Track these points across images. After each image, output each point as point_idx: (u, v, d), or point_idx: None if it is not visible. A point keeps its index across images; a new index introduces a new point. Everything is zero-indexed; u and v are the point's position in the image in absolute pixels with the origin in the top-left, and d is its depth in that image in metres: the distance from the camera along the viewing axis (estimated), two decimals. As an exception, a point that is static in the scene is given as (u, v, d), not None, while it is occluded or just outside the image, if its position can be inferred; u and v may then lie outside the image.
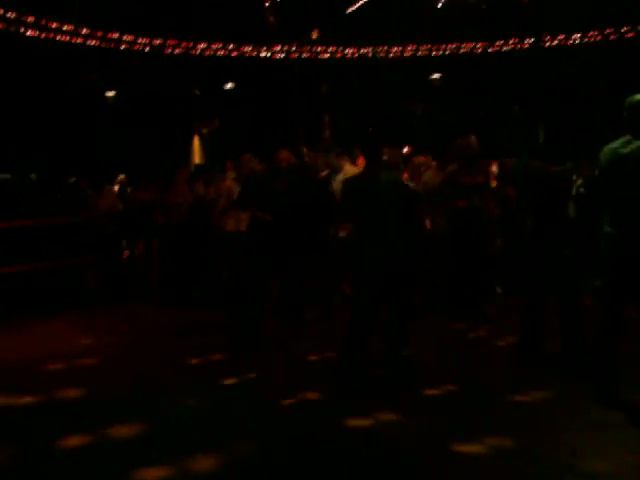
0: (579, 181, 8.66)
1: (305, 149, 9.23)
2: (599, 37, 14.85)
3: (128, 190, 12.68)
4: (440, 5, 14.39)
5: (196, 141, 20.33)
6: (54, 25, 10.80)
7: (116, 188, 12.87)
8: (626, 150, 4.97)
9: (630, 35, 14.37)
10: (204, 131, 20.22)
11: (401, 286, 6.21)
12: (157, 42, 12.77)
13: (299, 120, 17.80)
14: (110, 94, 18.37)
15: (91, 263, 10.99)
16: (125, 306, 10.22)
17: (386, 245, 6.04)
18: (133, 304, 10.38)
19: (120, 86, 17.71)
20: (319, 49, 14.93)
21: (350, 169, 8.84)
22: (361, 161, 8.87)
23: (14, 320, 9.17)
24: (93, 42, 11.64)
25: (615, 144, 5.08)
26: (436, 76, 20.10)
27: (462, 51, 15.91)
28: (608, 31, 14.45)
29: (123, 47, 12.64)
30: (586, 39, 14.65)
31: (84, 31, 11.30)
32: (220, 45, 13.79)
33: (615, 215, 5.04)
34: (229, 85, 18.91)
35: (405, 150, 10.69)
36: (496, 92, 18.13)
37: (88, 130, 17.49)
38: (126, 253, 11.60)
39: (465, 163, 8.19)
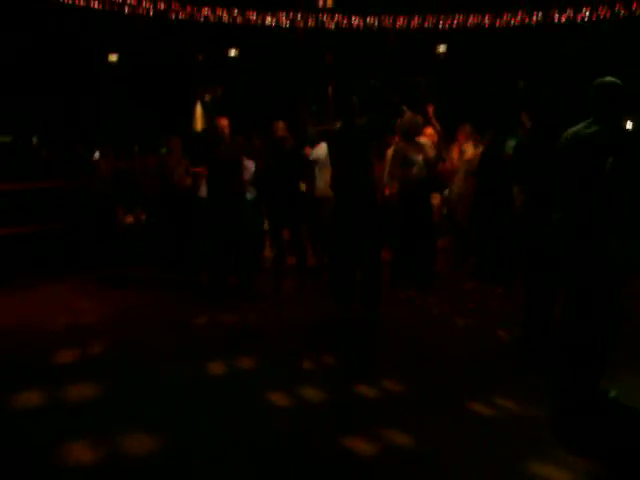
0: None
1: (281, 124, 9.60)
2: (608, 13, 14.71)
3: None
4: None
5: (198, 108, 20.21)
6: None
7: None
8: (588, 131, 4.86)
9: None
10: (206, 98, 20.10)
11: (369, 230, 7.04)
12: (161, 6, 12.65)
13: (303, 91, 17.72)
14: (113, 58, 18.23)
15: (88, 227, 10.99)
16: (124, 270, 10.25)
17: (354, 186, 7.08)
18: (132, 268, 10.40)
19: (123, 50, 17.58)
20: (325, 17, 14.79)
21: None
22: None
23: (12, 283, 9.20)
24: (97, 4, 11.53)
25: (578, 126, 4.98)
26: (442, 49, 19.95)
27: (469, 23, 15.76)
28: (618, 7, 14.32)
29: (127, 10, 12.53)
30: (594, 16, 14.51)
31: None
32: (224, 11, 13.67)
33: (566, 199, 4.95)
34: (233, 52, 18.77)
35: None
36: (502, 67, 18.00)
37: (90, 93, 17.38)
38: (127, 219, 11.60)
39: (408, 139, 8.55)
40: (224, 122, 8.56)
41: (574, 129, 4.98)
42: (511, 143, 6.19)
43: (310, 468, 3.99)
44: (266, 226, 10.23)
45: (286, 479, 3.89)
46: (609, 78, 4.92)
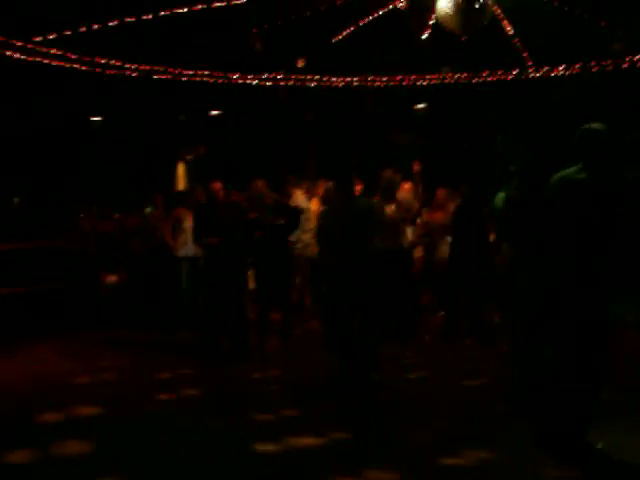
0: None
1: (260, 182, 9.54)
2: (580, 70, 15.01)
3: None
4: (424, 37, 14.52)
5: (180, 167, 20.28)
6: (43, 50, 10.78)
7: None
8: (579, 177, 4.87)
9: (610, 68, 14.56)
10: (188, 158, 20.20)
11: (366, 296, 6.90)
12: (144, 68, 12.79)
13: (284, 150, 17.86)
14: (96, 119, 18.31)
15: (73, 287, 10.92)
16: (108, 331, 10.16)
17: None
18: (116, 329, 10.31)
19: (106, 111, 17.67)
20: (306, 77, 14.99)
21: (300, 196, 10.20)
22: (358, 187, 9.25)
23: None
24: (81, 66, 11.62)
25: (568, 171, 4.98)
26: (421, 106, 20.23)
27: (447, 81, 16.02)
28: (592, 64, 14.63)
29: (110, 72, 12.64)
30: (569, 71, 14.80)
31: (72, 56, 11.31)
32: (207, 72, 13.83)
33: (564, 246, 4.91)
34: (215, 112, 18.91)
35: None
36: (481, 123, 18.26)
37: (73, 155, 17.40)
38: (111, 279, 11.54)
39: (385, 196, 8.72)
40: (217, 186, 8.52)
41: (563, 174, 4.97)
42: (499, 197, 6.20)
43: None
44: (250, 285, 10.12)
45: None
46: (596, 124, 4.96)
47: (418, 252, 10.43)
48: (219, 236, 8.18)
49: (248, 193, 9.90)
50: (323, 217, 7.54)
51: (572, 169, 4.94)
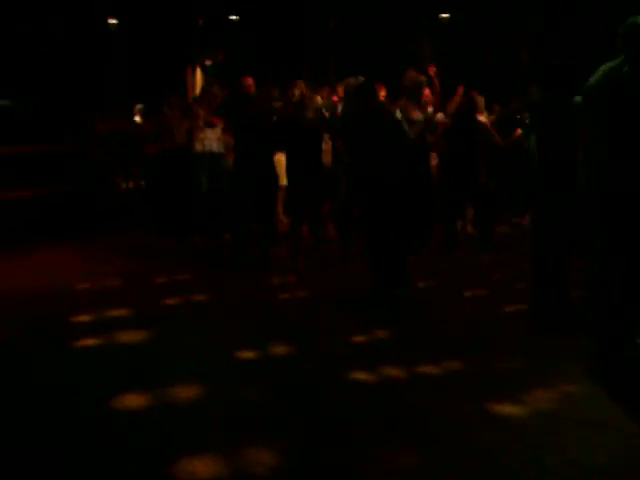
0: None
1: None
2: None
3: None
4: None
5: (198, 73, 19.97)
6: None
7: (137, 118, 12.83)
8: (624, 70, 4.64)
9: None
10: (207, 63, 19.87)
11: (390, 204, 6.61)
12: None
13: (305, 55, 17.56)
14: (112, 21, 18.02)
15: (89, 191, 10.97)
16: (123, 235, 10.25)
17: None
18: (131, 234, 10.40)
19: (122, 14, 17.40)
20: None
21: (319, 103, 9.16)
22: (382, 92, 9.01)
23: (13, 247, 9.16)
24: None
25: (608, 65, 4.77)
26: (445, 15, 19.76)
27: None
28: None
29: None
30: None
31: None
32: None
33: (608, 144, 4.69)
34: (233, 17, 18.55)
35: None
36: (506, 36, 17.84)
37: (90, 57, 17.20)
38: (122, 185, 11.57)
39: (410, 98, 8.41)
40: (249, 81, 8.37)
41: (603, 69, 4.78)
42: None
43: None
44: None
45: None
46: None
47: (434, 159, 10.28)
48: (250, 128, 8.02)
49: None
50: (344, 120, 7.34)
51: (611, 63, 4.73)
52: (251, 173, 8.11)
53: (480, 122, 9.15)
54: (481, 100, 9.77)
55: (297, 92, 8.44)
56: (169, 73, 16.83)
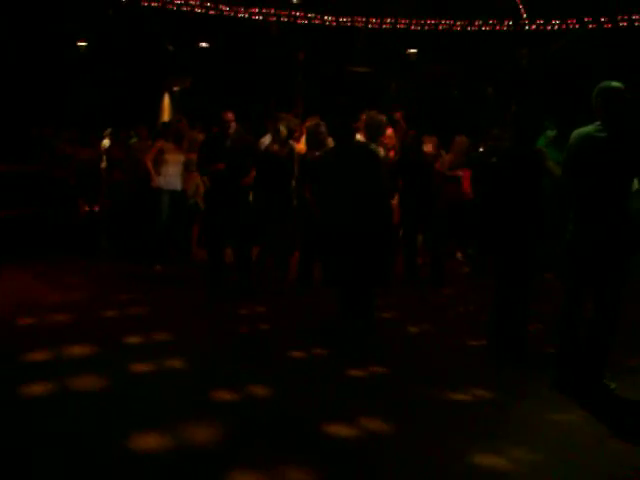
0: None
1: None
2: (577, 25, 14.92)
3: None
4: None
5: (166, 99, 20.03)
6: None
7: (106, 142, 12.81)
8: (601, 135, 5.01)
9: (609, 26, 14.46)
10: (175, 89, 19.93)
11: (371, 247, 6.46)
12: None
13: (272, 86, 17.66)
14: (82, 44, 17.99)
15: (51, 213, 10.88)
16: (86, 260, 10.17)
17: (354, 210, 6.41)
18: (93, 258, 10.33)
19: (92, 36, 17.37)
20: (297, 14, 14.77)
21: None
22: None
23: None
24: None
25: (587, 128, 5.11)
26: (412, 51, 20.03)
27: (441, 27, 15.85)
28: (587, 19, 14.51)
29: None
30: (564, 26, 14.69)
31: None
32: (198, 2, 13.57)
33: (581, 206, 5.11)
34: (203, 44, 18.63)
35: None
36: (471, 73, 18.15)
37: (57, 79, 17.12)
38: (89, 208, 11.48)
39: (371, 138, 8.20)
40: (229, 115, 8.26)
41: (584, 131, 5.13)
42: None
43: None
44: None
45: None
46: (614, 82, 5.08)
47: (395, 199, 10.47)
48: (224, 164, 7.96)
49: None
50: (324, 164, 6.86)
51: (592, 126, 5.08)
52: (224, 210, 8.12)
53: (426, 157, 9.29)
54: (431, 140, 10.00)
55: (283, 129, 8.45)
56: (140, 98, 16.84)
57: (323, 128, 8.23)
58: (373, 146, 6.85)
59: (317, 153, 7.86)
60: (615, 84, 5.06)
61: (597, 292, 5.14)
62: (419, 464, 3.97)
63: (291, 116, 9.72)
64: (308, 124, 8.65)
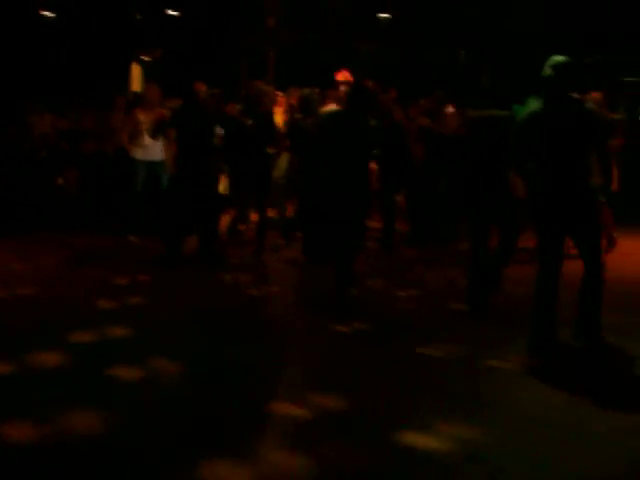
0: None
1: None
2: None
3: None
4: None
5: (135, 69, 19.70)
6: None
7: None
8: (547, 110, 5.14)
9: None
10: (145, 59, 19.62)
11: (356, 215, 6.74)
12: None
13: (243, 53, 17.52)
14: (48, 14, 17.67)
15: (24, 188, 10.77)
16: (58, 232, 10.09)
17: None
18: (66, 231, 10.24)
19: (59, 6, 17.09)
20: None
21: None
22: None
23: None
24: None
25: (532, 105, 5.23)
26: (384, 15, 19.92)
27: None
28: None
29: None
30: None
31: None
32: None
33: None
34: (172, 12, 18.38)
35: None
36: (443, 36, 18.08)
37: (23, 50, 16.84)
38: (59, 180, 11.35)
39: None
40: (201, 86, 8.28)
41: (530, 107, 5.23)
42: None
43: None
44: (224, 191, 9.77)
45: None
46: (562, 57, 5.15)
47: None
48: (194, 139, 7.99)
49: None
50: (324, 130, 6.94)
51: (535, 102, 5.19)
52: (193, 182, 8.11)
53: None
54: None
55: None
56: (108, 68, 16.62)
57: (317, 96, 8.43)
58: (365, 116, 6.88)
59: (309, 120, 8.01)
60: (562, 58, 5.13)
61: (579, 248, 5.27)
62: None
63: (262, 83, 9.71)
64: (305, 91, 8.67)
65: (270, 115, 8.85)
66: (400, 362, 5.09)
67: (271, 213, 9.50)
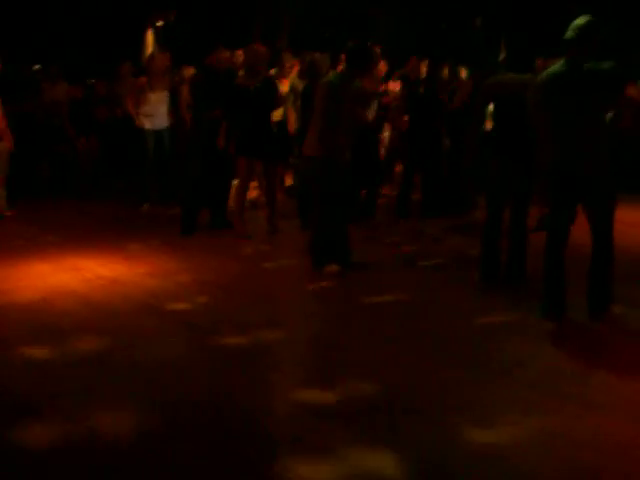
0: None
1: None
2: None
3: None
4: None
5: (149, 35, 19.57)
6: None
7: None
8: (564, 70, 5.07)
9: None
10: (158, 24, 19.49)
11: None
12: None
13: (257, 17, 17.37)
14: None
15: (37, 154, 10.81)
16: (73, 199, 10.16)
17: None
18: (80, 197, 10.31)
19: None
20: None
21: None
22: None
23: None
24: None
25: (554, 67, 5.16)
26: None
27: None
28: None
29: None
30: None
31: None
32: None
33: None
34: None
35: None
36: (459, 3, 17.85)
37: (39, 16, 16.76)
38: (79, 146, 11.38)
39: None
40: (225, 55, 8.32)
41: (549, 71, 5.18)
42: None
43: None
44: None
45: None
46: (584, 19, 5.03)
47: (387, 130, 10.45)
48: (219, 108, 7.95)
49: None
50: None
51: (557, 65, 5.11)
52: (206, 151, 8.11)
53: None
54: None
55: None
56: (124, 34, 16.53)
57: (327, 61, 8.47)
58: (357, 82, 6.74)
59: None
60: (585, 19, 5.03)
61: (590, 220, 5.20)
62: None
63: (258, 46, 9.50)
64: (315, 56, 8.59)
65: (272, 80, 8.63)
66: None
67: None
